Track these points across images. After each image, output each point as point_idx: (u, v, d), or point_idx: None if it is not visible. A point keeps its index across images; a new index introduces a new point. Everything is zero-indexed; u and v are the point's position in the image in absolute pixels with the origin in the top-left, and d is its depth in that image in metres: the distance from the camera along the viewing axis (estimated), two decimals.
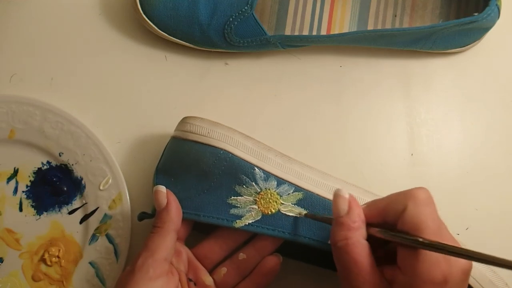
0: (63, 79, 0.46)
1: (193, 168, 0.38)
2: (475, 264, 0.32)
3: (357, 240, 0.31)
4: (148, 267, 0.34)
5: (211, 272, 0.39)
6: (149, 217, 0.39)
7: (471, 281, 0.34)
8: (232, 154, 0.38)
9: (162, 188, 0.37)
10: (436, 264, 0.28)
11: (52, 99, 0.44)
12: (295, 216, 0.37)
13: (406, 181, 0.44)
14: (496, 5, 0.40)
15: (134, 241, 0.43)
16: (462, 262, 0.29)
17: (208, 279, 0.38)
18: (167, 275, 0.34)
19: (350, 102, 0.45)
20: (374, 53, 0.46)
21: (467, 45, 0.44)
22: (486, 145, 0.45)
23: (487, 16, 0.40)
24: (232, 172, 0.37)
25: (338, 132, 0.45)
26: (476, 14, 0.40)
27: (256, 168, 0.37)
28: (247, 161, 0.37)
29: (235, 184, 0.38)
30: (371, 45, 0.44)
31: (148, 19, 0.44)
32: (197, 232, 0.41)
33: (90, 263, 0.42)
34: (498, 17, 0.41)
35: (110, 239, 0.42)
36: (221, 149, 0.38)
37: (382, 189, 0.37)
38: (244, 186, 0.37)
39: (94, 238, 0.43)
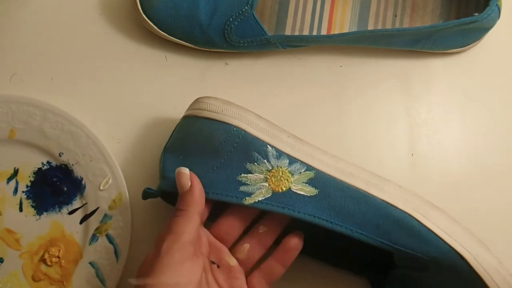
0: (63, 79, 0.46)
1: (204, 145, 0.38)
2: (480, 253, 0.34)
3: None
4: (174, 251, 0.33)
5: (231, 249, 0.38)
6: (153, 196, 0.38)
7: (479, 271, 0.33)
8: (245, 131, 0.37)
9: (185, 170, 0.36)
10: None
11: (52, 99, 0.44)
12: (306, 195, 0.36)
13: (406, 181, 0.43)
14: (496, 5, 0.40)
15: (134, 241, 0.42)
16: None
17: (232, 260, 0.37)
18: (193, 259, 0.34)
19: (350, 102, 0.45)
20: (374, 53, 0.46)
21: (467, 45, 0.44)
22: (486, 145, 0.45)
23: (487, 16, 0.40)
24: (244, 150, 0.37)
25: (338, 132, 0.45)
26: (476, 14, 0.40)
27: (268, 146, 0.37)
28: (260, 139, 0.37)
29: (246, 161, 0.37)
30: (371, 45, 0.44)
31: (148, 19, 0.44)
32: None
33: (90, 263, 0.42)
34: (498, 17, 0.41)
35: (110, 239, 0.42)
36: (235, 126, 0.37)
37: None
38: (255, 163, 0.37)
39: (94, 238, 0.43)
